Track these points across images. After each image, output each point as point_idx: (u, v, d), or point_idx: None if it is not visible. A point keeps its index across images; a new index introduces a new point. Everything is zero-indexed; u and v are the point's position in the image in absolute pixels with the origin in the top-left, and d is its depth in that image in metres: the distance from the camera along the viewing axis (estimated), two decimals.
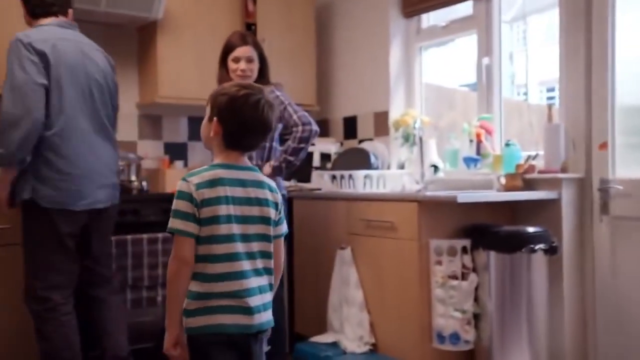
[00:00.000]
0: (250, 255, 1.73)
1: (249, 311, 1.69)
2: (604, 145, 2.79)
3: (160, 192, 3.55)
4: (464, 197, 2.62)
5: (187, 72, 3.55)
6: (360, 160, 3.46)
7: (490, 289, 2.66)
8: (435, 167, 3.33)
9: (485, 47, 3.37)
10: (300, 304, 3.49)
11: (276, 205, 1.81)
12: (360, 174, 3.22)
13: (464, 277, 2.67)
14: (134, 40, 3.71)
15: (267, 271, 1.77)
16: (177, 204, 1.69)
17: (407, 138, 3.57)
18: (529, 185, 2.90)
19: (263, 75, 2.92)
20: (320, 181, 3.50)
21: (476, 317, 2.69)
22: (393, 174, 3.43)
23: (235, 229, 1.71)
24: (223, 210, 1.69)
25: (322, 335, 3.11)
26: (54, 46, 2.45)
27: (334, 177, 3.37)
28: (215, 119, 1.74)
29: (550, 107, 3.00)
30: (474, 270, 2.70)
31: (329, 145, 3.90)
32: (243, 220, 1.73)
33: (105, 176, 2.62)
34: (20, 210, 2.56)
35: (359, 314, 2.95)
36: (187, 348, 1.72)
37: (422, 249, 2.69)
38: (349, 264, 3.03)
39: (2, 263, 2.76)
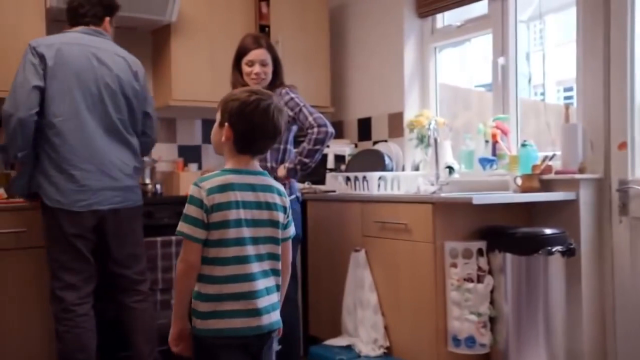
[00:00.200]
0: (259, 258, 1.78)
1: (258, 312, 1.73)
2: (623, 145, 2.74)
3: (175, 195, 3.56)
4: (479, 198, 2.58)
5: (201, 74, 3.55)
6: (374, 161, 3.43)
7: (507, 292, 2.62)
8: (451, 169, 3.30)
9: (501, 47, 3.33)
10: (314, 307, 3.47)
11: (284, 208, 1.85)
12: (374, 175, 3.20)
13: (479, 279, 2.63)
14: (148, 43, 3.72)
15: (275, 272, 1.82)
16: (187, 209, 1.74)
17: (421, 139, 3.54)
18: (546, 186, 2.85)
19: (277, 77, 2.91)
20: (335, 183, 3.48)
21: (492, 320, 2.65)
22: (407, 176, 3.40)
23: (246, 232, 1.76)
24: (233, 214, 1.73)
25: (337, 338, 3.09)
26: (59, 50, 2.54)
27: (348, 179, 3.35)
28: (226, 124, 1.77)
29: (567, 106, 2.95)
30: (490, 272, 2.66)
31: (343, 147, 3.88)
32: (253, 223, 1.77)
33: (114, 178, 2.62)
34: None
35: (374, 317, 2.92)
36: (190, 343, 1.79)
37: (437, 251, 2.66)
38: (363, 266, 3.01)
39: (19, 266, 2.78)
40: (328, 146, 3.59)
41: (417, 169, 3.60)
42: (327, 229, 3.34)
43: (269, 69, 2.87)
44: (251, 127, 1.77)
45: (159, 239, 3.06)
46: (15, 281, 2.76)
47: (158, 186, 3.51)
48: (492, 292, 2.65)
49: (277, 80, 2.91)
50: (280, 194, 1.85)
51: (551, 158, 2.89)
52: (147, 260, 2.87)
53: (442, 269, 2.66)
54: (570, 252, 2.61)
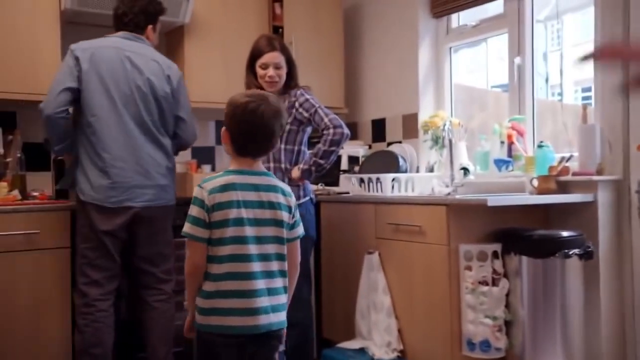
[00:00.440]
0: (265, 257, 1.81)
1: (255, 312, 1.77)
2: None
3: (188, 197, 3.53)
4: (494, 200, 2.54)
5: (214, 75, 3.54)
6: (388, 163, 3.40)
7: (522, 295, 2.58)
8: (465, 170, 3.26)
9: (517, 47, 3.29)
10: (328, 309, 3.44)
11: (290, 208, 1.88)
12: (388, 177, 3.16)
13: (494, 282, 2.59)
14: (162, 45, 3.71)
15: (282, 273, 1.85)
16: (191, 209, 1.82)
17: (436, 140, 3.50)
18: (563, 187, 2.80)
19: (292, 79, 2.89)
20: (348, 184, 3.45)
21: (508, 324, 2.61)
22: (422, 177, 3.36)
23: (249, 231, 1.79)
24: (234, 213, 1.78)
25: (350, 341, 3.06)
26: (93, 53, 2.64)
27: (361, 181, 3.32)
28: (223, 128, 1.86)
29: (585, 107, 2.90)
30: (505, 275, 2.61)
31: (357, 148, 3.86)
32: (256, 222, 1.81)
33: (147, 177, 2.67)
34: None
35: (387, 320, 2.89)
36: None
37: (451, 254, 2.62)
38: (376, 269, 2.98)
39: (31, 268, 2.78)
40: (342, 147, 3.57)
41: (431, 170, 3.56)
42: (340, 231, 3.31)
43: (283, 71, 2.85)
44: (242, 130, 1.82)
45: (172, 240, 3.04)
46: (27, 283, 2.77)
47: None
48: (507, 295, 2.60)
49: (291, 82, 2.89)
50: (285, 194, 1.88)
51: (568, 159, 2.84)
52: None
53: (456, 272, 2.62)
54: (588, 255, 2.56)
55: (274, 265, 1.82)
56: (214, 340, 1.79)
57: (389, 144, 3.89)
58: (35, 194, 3.09)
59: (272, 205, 1.83)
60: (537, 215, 2.84)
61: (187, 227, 1.80)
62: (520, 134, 3.13)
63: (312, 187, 3.17)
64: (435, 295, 2.69)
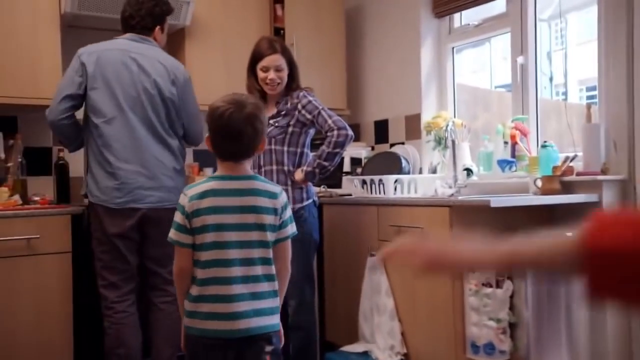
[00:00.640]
0: (249, 262, 1.84)
1: (234, 316, 1.80)
2: None
3: None
4: (497, 201, 2.51)
5: (215, 78, 3.53)
6: (391, 164, 3.38)
7: (527, 297, 2.54)
8: (469, 171, 3.23)
9: (520, 46, 3.26)
10: (331, 312, 3.42)
11: (275, 210, 1.88)
12: (390, 178, 3.14)
13: (498, 284, 2.56)
14: (163, 48, 3.70)
15: (268, 277, 1.87)
16: (175, 215, 1.88)
17: (439, 141, 3.47)
18: (567, 188, 2.77)
19: (293, 81, 2.88)
20: (351, 186, 3.43)
21: (512, 326, 2.58)
22: (425, 179, 3.33)
23: (229, 236, 1.83)
24: (212, 219, 1.82)
25: (353, 344, 3.04)
26: (98, 57, 2.66)
27: (364, 182, 3.30)
28: (207, 134, 1.90)
29: (589, 106, 2.87)
30: (509, 277, 2.58)
31: (360, 150, 3.84)
32: (239, 227, 1.83)
33: (153, 178, 2.67)
34: None
35: (390, 323, 2.86)
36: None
37: None
38: (379, 271, 2.95)
39: (32, 273, 2.77)
40: (346, 149, 3.55)
41: (434, 171, 3.54)
42: (343, 233, 3.29)
43: (284, 74, 2.83)
44: (216, 134, 1.86)
45: None
46: (29, 288, 2.76)
47: None
48: (511, 297, 2.57)
49: (293, 84, 2.87)
50: (271, 196, 1.88)
51: (572, 159, 2.81)
52: None
53: (459, 274, 2.59)
54: None
55: (259, 270, 1.84)
56: (198, 343, 1.84)
57: (392, 145, 3.86)
58: (36, 198, 3.09)
59: (255, 210, 1.85)
60: (541, 216, 2.81)
61: (171, 233, 1.87)
62: (524, 134, 3.10)
63: (315, 189, 3.15)
64: (438, 298, 2.66)
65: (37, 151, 3.35)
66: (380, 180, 3.16)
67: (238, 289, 1.80)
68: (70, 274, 2.84)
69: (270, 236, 1.86)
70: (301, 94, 2.84)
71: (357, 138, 4.07)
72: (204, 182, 1.89)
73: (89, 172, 2.69)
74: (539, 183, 2.77)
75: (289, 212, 1.94)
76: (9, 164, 3.12)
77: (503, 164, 3.10)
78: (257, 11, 3.71)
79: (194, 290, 1.84)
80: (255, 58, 2.84)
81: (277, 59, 2.80)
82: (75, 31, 3.31)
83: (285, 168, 2.80)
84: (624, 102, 2.71)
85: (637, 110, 2.69)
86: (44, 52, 3.10)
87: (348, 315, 3.19)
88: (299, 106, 2.81)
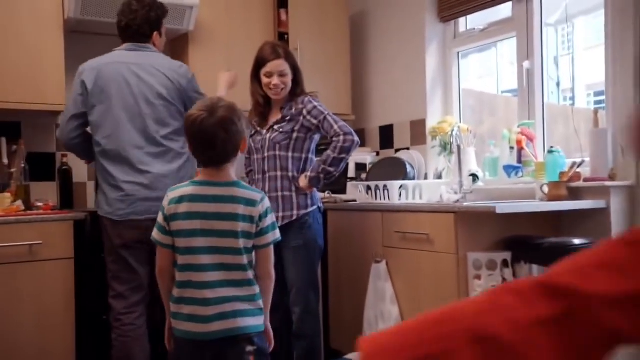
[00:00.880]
0: (225, 267, 1.87)
1: (206, 319, 1.84)
2: None
3: None
4: (503, 207, 2.48)
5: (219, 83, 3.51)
6: (396, 170, 3.35)
7: None
8: (474, 177, 3.20)
9: (526, 50, 3.23)
10: (335, 319, 3.39)
11: (252, 218, 1.90)
12: (395, 184, 3.12)
13: None
14: (166, 52, 3.68)
15: (246, 282, 1.90)
16: (158, 216, 1.94)
17: (444, 146, 3.45)
18: (574, 194, 2.74)
19: (298, 86, 2.85)
20: (355, 192, 3.40)
21: None
22: (430, 184, 3.31)
23: (201, 242, 1.86)
24: (186, 224, 1.87)
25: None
26: (98, 72, 2.65)
27: (369, 188, 3.27)
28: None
29: (596, 111, 2.84)
30: None
31: (365, 155, 3.81)
32: (213, 234, 1.87)
33: (154, 189, 2.62)
34: None
35: None
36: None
37: (459, 263, 2.56)
38: (384, 278, 2.92)
39: (34, 279, 2.76)
40: (351, 155, 3.53)
41: (440, 177, 3.51)
42: (347, 239, 3.26)
43: (288, 79, 2.81)
44: (191, 141, 1.90)
45: None
46: (31, 294, 2.75)
47: None
48: None
49: (297, 89, 2.85)
50: (248, 204, 1.90)
51: (580, 165, 2.77)
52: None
53: (465, 281, 2.56)
54: None
55: (234, 275, 1.88)
56: (181, 343, 1.91)
57: (397, 150, 3.84)
58: (39, 204, 3.07)
59: (231, 217, 1.87)
60: (548, 223, 2.78)
61: (154, 233, 1.94)
62: (530, 139, 3.07)
63: (319, 195, 3.13)
64: (443, 305, 2.62)
65: (41, 157, 3.34)
66: (385, 186, 3.14)
67: (212, 293, 1.85)
68: (72, 280, 2.83)
69: (243, 243, 1.88)
70: (306, 99, 2.81)
71: (362, 143, 4.04)
72: (183, 186, 1.92)
73: (99, 187, 2.71)
74: (546, 189, 2.74)
75: (270, 219, 1.96)
76: (12, 170, 3.11)
77: (509, 169, 3.07)
78: (261, 16, 3.70)
79: (175, 292, 1.91)
80: (259, 63, 2.82)
81: (280, 64, 2.78)
82: (79, 37, 3.31)
83: (290, 174, 2.78)
84: (631, 107, 2.67)
85: None
86: (48, 58, 3.09)
87: (353, 323, 3.16)
88: (304, 112, 2.79)
